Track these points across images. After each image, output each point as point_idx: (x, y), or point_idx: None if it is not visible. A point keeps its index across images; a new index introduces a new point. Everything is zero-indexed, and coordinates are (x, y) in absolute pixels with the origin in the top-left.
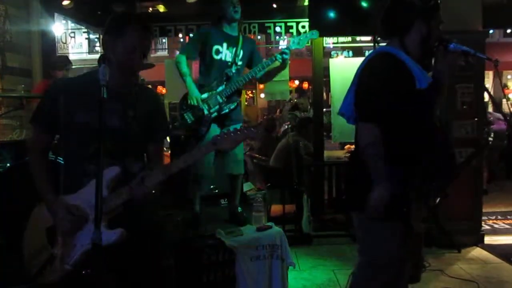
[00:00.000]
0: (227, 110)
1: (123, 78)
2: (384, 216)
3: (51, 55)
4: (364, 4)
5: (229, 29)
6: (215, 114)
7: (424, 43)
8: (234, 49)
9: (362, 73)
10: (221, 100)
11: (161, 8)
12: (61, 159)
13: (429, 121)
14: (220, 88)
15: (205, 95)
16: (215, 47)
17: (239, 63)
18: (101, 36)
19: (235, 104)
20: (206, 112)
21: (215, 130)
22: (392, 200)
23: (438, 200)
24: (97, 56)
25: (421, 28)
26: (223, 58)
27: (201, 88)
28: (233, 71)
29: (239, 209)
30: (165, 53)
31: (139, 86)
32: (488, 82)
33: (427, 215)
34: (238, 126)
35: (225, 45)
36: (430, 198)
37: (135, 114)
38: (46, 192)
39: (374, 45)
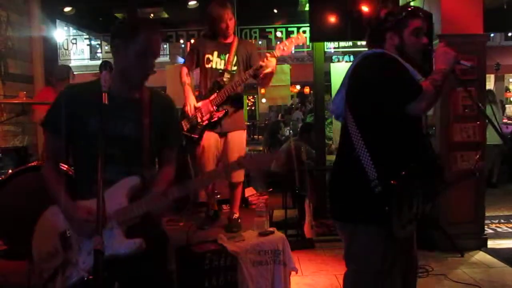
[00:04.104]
0: (216, 119)
1: (136, 84)
2: (365, 217)
3: (53, 64)
4: (365, 8)
5: (223, 39)
6: (206, 122)
7: (400, 52)
8: (227, 56)
9: (358, 70)
10: (212, 109)
11: (162, 14)
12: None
13: (417, 124)
14: (212, 97)
15: (199, 104)
16: (206, 56)
17: (233, 69)
18: (102, 42)
19: (225, 112)
20: (199, 119)
21: (214, 137)
22: (374, 201)
23: (428, 207)
24: (98, 62)
25: (393, 40)
26: (213, 66)
27: (198, 97)
28: (225, 79)
29: (236, 216)
30: (166, 58)
31: (153, 92)
32: (490, 86)
33: (410, 221)
34: (239, 133)
35: (215, 53)
36: (414, 204)
37: (150, 121)
38: (62, 197)
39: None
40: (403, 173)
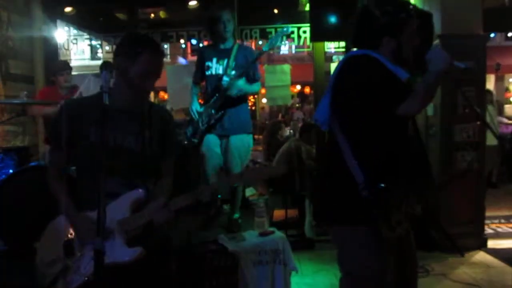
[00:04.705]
0: (213, 121)
1: (137, 99)
2: (354, 218)
3: (53, 62)
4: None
5: (222, 43)
6: (205, 125)
7: (396, 56)
8: (226, 60)
9: (341, 77)
10: (212, 112)
11: (162, 14)
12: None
13: (403, 126)
14: (212, 100)
15: (202, 109)
16: (206, 63)
17: (232, 73)
18: (103, 43)
19: (220, 114)
20: (200, 124)
21: (213, 139)
22: (363, 204)
23: (418, 208)
24: (99, 62)
25: (390, 44)
26: (213, 72)
27: (203, 103)
28: (223, 83)
29: (236, 216)
30: (166, 59)
31: (152, 105)
32: (490, 86)
33: (401, 221)
34: (242, 136)
35: (214, 60)
36: (404, 204)
37: (149, 133)
38: (67, 206)
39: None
40: (391, 176)
